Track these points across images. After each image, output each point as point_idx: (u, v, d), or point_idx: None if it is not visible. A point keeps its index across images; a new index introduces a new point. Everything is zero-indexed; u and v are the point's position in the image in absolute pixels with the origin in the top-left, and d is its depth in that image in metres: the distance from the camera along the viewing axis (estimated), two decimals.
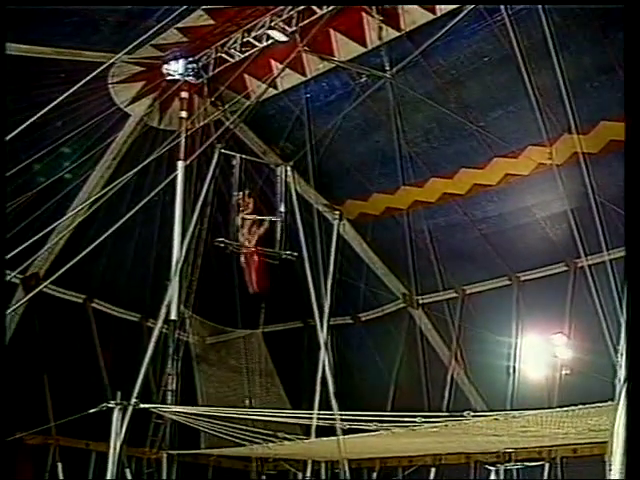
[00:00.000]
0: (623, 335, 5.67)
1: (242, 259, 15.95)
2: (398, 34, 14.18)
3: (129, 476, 16.33)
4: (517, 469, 16.01)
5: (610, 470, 5.52)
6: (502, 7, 12.54)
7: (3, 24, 10.35)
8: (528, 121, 13.72)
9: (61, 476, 17.01)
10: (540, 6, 11.82)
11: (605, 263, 11.66)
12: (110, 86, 15.61)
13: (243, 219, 15.93)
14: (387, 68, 14.61)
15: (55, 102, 12.10)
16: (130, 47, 12.83)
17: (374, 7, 14.03)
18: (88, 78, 12.38)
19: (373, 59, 14.78)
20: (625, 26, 6.11)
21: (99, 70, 12.81)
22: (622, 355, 5.45)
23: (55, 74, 14.14)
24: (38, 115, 11.90)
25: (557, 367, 16.00)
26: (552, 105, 12.78)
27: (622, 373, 5.30)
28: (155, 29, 13.03)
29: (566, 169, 13.18)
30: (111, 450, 12.38)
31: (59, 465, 17.06)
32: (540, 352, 16.62)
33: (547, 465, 15.79)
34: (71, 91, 12.18)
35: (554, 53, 11.55)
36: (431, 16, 13.66)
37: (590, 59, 13.38)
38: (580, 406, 9.24)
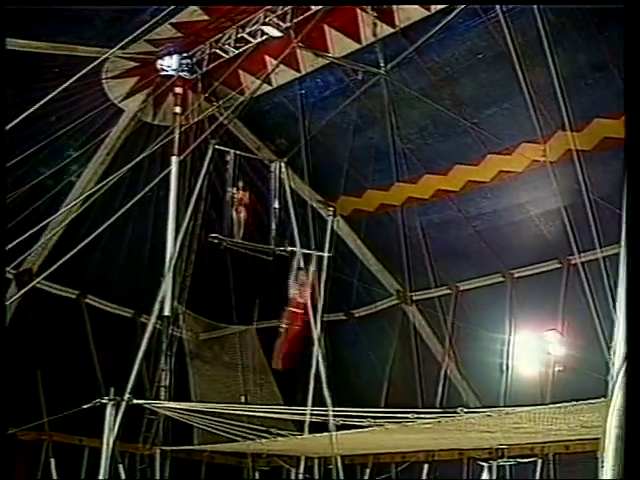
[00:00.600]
0: (616, 331, 5.68)
1: (285, 321, 15.62)
2: (392, 30, 14.18)
3: (122, 472, 16.32)
4: (510, 465, 16.04)
5: (602, 467, 5.53)
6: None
7: (3, 24, 10.35)
8: (522, 118, 13.74)
9: (54, 472, 17.00)
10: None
11: (598, 260, 11.69)
12: (104, 81, 15.58)
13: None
14: (381, 65, 14.63)
15: (49, 97, 12.08)
16: (124, 42, 12.82)
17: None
18: (82, 73, 12.38)
19: (367, 55, 14.78)
20: (625, 26, 6.11)
21: (93, 65, 12.81)
22: (615, 352, 5.46)
23: (49, 69, 14.12)
24: (32, 110, 11.89)
25: (550, 364, 16.02)
26: (546, 102, 12.81)
27: (615, 370, 5.32)
28: (149, 24, 13.03)
29: (560, 166, 13.21)
30: (104, 446, 12.38)
31: (52, 461, 17.05)
32: (533, 349, 16.65)
33: (540, 461, 15.83)
34: (65, 86, 12.19)
35: (548, 50, 11.58)
36: (426, 13, 13.65)
37: (584, 56, 13.39)
38: (573, 403, 9.27)
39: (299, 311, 15.41)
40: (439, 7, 13.43)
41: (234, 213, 16.07)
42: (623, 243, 6.34)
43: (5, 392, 10.34)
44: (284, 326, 15.53)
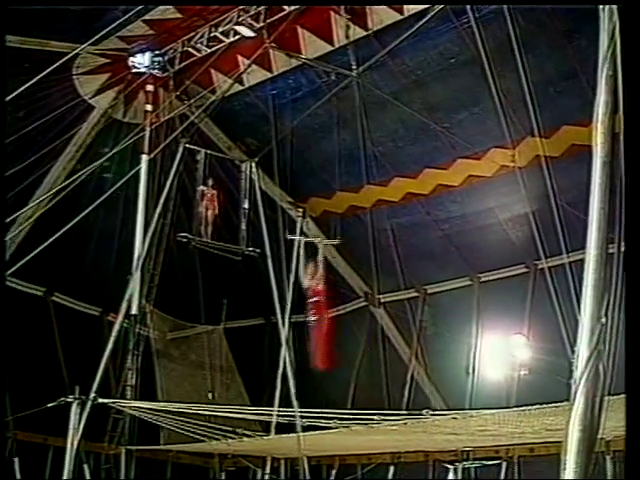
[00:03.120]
0: (580, 336, 5.75)
1: (311, 315, 14.85)
2: (365, 33, 14.22)
3: (87, 472, 16.18)
4: (475, 468, 16.15)
5: (564, 469, 5.60)
6: (469, 9, 12.62)
7: (3, 24, 10.27)
8: (492, 123, 13.81)
9: (18, 471, 16.80)
10: (506, 9, 11.90)
11: (564, 265, 11.80)
12: (74, 77, 15.46)
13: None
14: (354, 67, 14.64)
15: (17, 91, 11.96)
16: (95, 38, 12.76)
17: (342, 6, 14.06)
18: (52, 68, 12.27)
19: (340, 57, 14.81)
20: (625, 26, 6.18)
21: (63, 60, 12.70)
22: (578, 356, 5.53)
23: (19, 63, 13.96)
24: None
25: (515, 367, 16.14)
26: (516, 108, 12.90)
27: (577, 373, 5.38)
28: (121, 20, 12.95)
29: (528, 172, 13.31)
30: (69, 445, 12.29)
31: (16, 460, 16.85)
32: (499, 352, 16.75)
33: (504, 464, 15.94)
34: (34, 81, 12.05)
35: (519, 56, 11.66)
36: (398, 16, 13.72)
37: (554, 64, 13.53)
38: (537, 406, 9.37)
39: (321, 299, 14.67)
40: (412, 11, 13.49)
41: (203, 210, 16.04)
42: (589, 249, 6.42)
43: None
44: (313, 319, 14.73)
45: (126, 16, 12.93)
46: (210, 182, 16.27)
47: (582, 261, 6.74)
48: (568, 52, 13.14)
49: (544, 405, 9.17)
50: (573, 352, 6.04)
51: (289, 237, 15.21)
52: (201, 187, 16.10)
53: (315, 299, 14.74)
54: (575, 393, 5.49)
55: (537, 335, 15.93)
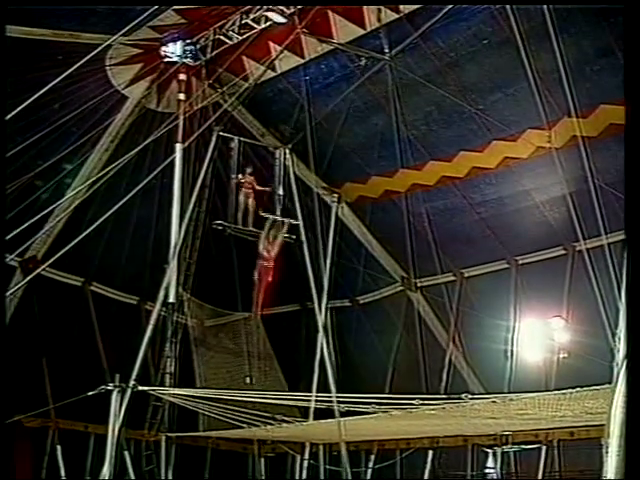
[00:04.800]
0: (621, 318, 5.67)
1: (256, 273, 15.92)
2: (397, 16, 14.10)
3: (128, 458, 16.36)
4: (514, 452, 16.07)
5: (607, 453, 5.53)
6: None
7: (3, 23, 10.33)
8: (527, 104, 13.67)
9: (60, 458, 17.07)
10: None
11: (603, 247, 11.64)
12: (108, 68, 15.54)
13: (262, 218, 15.97)
14: (386, 51, 14.55)
15: (51, 84, 12.04)
16: (127, 28, 12.77)
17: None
18: (85, 59, 12.32)
19: (372, 41, 14.72)
20: (625, 26, 6.06)
21: (96, 51, 12.75)
22: (620, 339, 5.45)
23: (53, 56, 14.07)
24: (34, 97, 11.84)
25: (554, 350, 16.02)
26: (551, 88, 12.74)
27: (620, 356, 5.31)
28: (152, 10, 12.96)
29: (565, 153, 13.14)
30: (110, 432, 12.41)
31: (58, 447, 17.13)
32: (538, 335, 16.62)
33: (544, 448, 15.85)
34: (68, 73, 12.13)
35: (554, 36, 11.48)
36: None
37: (590, 42, 13.31)
38: (577, 389, 9.27)
39: (270, 265, 15.84)
40: None
41: (242, 198, 16.06)
42: None
43: (10, 379, 10.38)
44: (256, 278, 15.99)
45: (157, 6, 12.95)
46: (249, 170, 16.30)
47: (621, 242, 6.64)
48: (604, 29, 12.91)
49: (585, 388, 9.08)
50: (613, 335, 5.95)
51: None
52: (237, 175, 16.12)
53: (265, 264, 15.89)
54: (618, 375, 5.41)
55: (576, 317, 15.79)
